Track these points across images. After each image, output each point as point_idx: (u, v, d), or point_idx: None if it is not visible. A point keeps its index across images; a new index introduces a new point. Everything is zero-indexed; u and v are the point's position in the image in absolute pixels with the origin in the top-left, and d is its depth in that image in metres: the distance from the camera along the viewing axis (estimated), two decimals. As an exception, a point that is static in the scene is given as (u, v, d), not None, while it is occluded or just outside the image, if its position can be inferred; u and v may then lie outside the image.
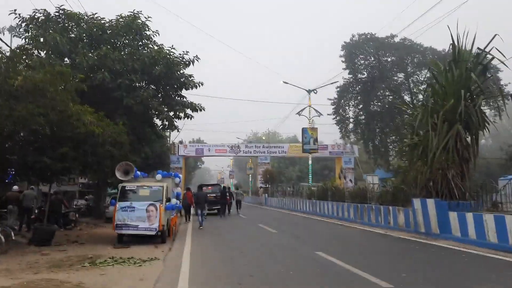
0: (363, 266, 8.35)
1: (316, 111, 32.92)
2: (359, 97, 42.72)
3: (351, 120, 43.58)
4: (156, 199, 13.17)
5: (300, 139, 33.28)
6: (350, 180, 42.63)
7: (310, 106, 31.67)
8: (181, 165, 42.44)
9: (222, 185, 26.82)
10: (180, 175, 17.57)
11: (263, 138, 60.58)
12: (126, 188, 13.36)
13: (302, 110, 31.54)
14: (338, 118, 42.14)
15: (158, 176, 15.11)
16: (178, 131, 21.01)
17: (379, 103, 42.85)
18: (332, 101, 42.29)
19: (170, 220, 15.05)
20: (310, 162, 32.71)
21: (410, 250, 10.81)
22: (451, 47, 14.42)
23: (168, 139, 38.75)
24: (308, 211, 26.43)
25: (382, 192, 17.32)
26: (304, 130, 31.37)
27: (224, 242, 13.12)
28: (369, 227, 16.96)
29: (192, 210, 21.26)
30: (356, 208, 19.04)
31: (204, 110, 21.13)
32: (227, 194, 26.62)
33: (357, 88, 42.57)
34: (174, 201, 15.25)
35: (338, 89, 42.39)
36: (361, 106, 43.02)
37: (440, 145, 13.06)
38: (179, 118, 20.85)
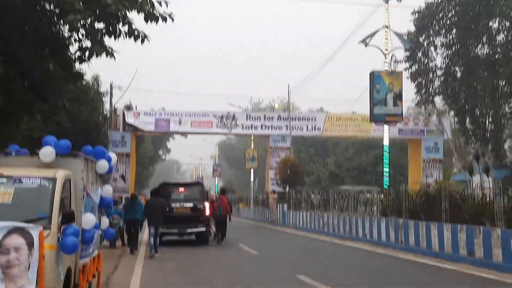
0: None
1: (401, 37, 26.08)
2: (454, 30, 36.66)
3: (439, 72, 37.84)
4: (30, 214, 7.80)
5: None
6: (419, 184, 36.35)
7: (387, 27, 24.76)
8: (128, 149, 35.81)
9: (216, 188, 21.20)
10: (113, 154, 10.80)
11: (276, 106, 53.88)
12: None
13: (372, 36, 24.63)
14: (415, 68, 36.37)
15: (45, 152, 8.45)
16: (113, 57, 14.45)
17: (490, 42, 36.84)
18: (405, 38, 35.95)
19: (79, 271, 8.96)
20: (386, 142, 25.88)
21: None
22: None
23: (103, 95, 31.99)
24: (385, 241, 20.06)
25: None
26: (375, 77, 24.60)
27: None
28: None
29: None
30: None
31: (172, 20, 15.32)
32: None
33: (452, 13, 36.54)
34: (89, 219, 8.66)
35: (417, 15, 36.28)
36: (456, 46, 37.07)
37: None
38: (115, 34, 14.83)
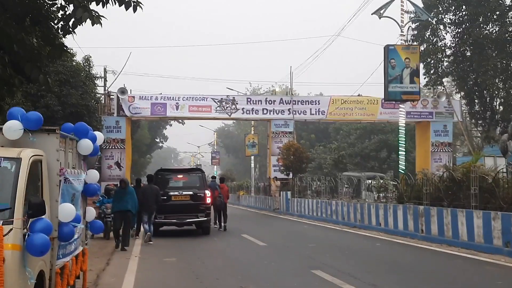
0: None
1: (418, 7, 24.19)
2: (464, 7, 34.98)
3: (448, 51, 36.27)
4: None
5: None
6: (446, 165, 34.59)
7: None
8: (123, 135, 34.00)
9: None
10: (99, 134, 9.09)
11: (275, 90, 51.79)
12: None
13: (386, 7, 22.69)
14: (423, 47, 34.60)
15: (10, 127, 6.74)
16: (99, 24, 12.56)
17: (501, 20, 35.17)
18: (413, 14, 34.17)
19: (56, 274, 7.25)
20: (402, 122, 23.99)
21: None
22: None
23: (96, 79, 30.18)
24: (402, 229, 18.49)
25: None
26: (390, 51, 22.63)
27: None
28: None
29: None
30: None
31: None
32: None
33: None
34: (67, 210, 7.01)
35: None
36: (466, 24, 35.41)
37: None
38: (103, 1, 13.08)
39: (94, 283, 10.64)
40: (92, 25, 13.05)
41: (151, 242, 17.01)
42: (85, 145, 8.40)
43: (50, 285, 6.96)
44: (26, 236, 5.99)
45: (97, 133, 9.11)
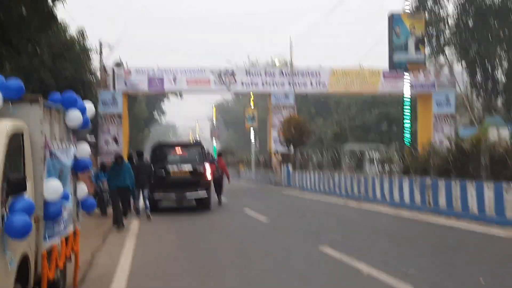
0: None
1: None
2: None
3: (450, 21, 35.34)
4: None
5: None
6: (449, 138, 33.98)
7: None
8: (120, 110, 33.17)
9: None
10: (89, 105, 8.37)
11: (276, 62, 50.86)
12: None
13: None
14: (425, 17, 33.65)
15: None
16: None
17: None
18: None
19: (43, 257, 6.53)
20: (407, 93, 23.26)
21: None
22: None
23: (91, 51, 29.30)
24: (408, 202, 17.90)
25: None
26: (394, 19, 21.79)
27: None
28: None
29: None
30: None
31: None
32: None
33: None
34: (53, 187, 6.51)
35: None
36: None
37: None
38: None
39: (88, 264, 10.04)
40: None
41: (150, 218, 16.48)
42: (74, 116, 7.69)
43: (36, 269, 6.33)
44: (5, 217, 5.33)
45: (87, 103, 8.40)
